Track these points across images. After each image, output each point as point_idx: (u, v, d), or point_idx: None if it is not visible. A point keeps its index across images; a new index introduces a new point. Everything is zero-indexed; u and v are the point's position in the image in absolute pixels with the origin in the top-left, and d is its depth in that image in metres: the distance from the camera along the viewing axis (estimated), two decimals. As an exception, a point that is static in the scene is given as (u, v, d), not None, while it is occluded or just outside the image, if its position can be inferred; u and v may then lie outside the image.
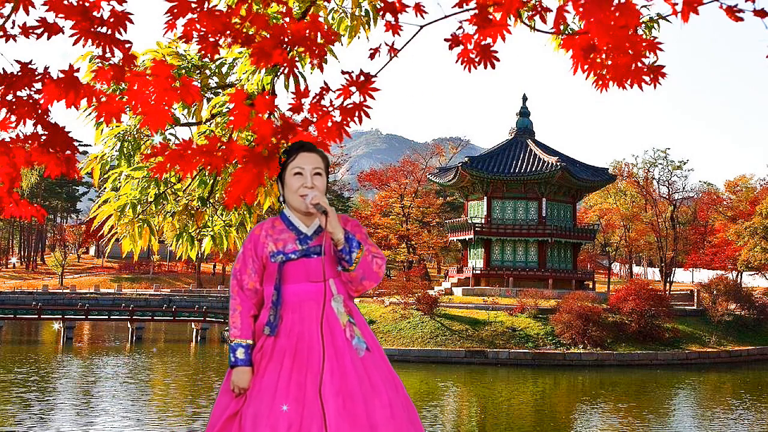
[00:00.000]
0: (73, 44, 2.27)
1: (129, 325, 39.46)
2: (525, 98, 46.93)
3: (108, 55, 2.32)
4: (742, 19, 2.22)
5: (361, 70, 2.57)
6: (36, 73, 2.30)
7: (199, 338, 38.91)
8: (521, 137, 45.17)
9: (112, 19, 2.29)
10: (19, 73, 2.29)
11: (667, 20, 3.06)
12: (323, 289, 2.68)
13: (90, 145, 4.98)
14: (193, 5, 2.43)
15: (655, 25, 3.16)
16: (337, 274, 2.71)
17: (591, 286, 45.43)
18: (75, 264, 79.28)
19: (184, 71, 3.71)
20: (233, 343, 2.69)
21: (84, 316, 39.62)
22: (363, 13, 3.64)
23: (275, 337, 2.66)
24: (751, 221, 49.70)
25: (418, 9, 2.78)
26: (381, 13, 2.85)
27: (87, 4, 2.26)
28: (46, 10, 2.24)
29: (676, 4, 2.17)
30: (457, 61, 2.52)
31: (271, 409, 2.53)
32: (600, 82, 2.37)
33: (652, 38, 2.32)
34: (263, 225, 2.78)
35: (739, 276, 53.15)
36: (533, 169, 42.26)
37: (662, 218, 58.45)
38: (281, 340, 2.65)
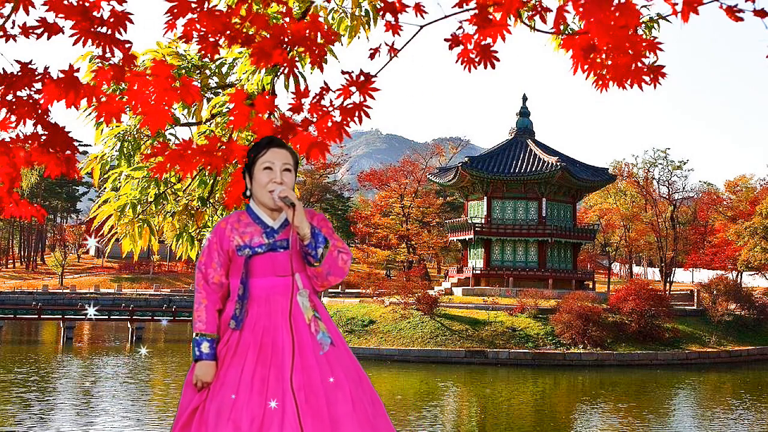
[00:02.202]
0: (73, 44, 2.27)
1: (129, 325, 39.47)
2: (525, 98, 46.93)
3: (108, 55, 2.32)
4: (742, 19, 2.22)
5: (361, 70, 2.57)
6: (36, 73, 2.30)
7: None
8: (521, 137, 45.16)
9: (112, 19, 2.29)
10: (19, 73, 2.29)
11: (667, 20, 3.07)
12: (290, 284, 2.69)
13: (90, 145, 4.98)
14: (193, 5, 2.43)
15: (655, 25, 3.16)
16: (303, 269, 2.72)
17: (591, 286, 45.42)
18: (75, 264, 79.27)
19: (184, 71, 3.71)
20: (198, 337, 2.68)
21: (84, 316, 39.62)
22: (363, 13, 3.64)
23: (240, 331, 2.67)
24: (751, 221, 49.69)
25: (418, 9, 2.78)
26: (381, 13, 2.85)
27: (87, 4, 2.26)
28: (46, 10, 2.24)
29: (676, 4, 2.17)
30: (457, 61, 2.52)
31: (234, 404, 2.54)
32: (600, 82, 2.37)
33: (652, 38, 2.32)
34: (228, 219, 2.78)
35: (739, 276, 53.14)
36: (533, 169, 42.26)
37: (662, 218, 58.44)
38: (246, 334, 2.66)
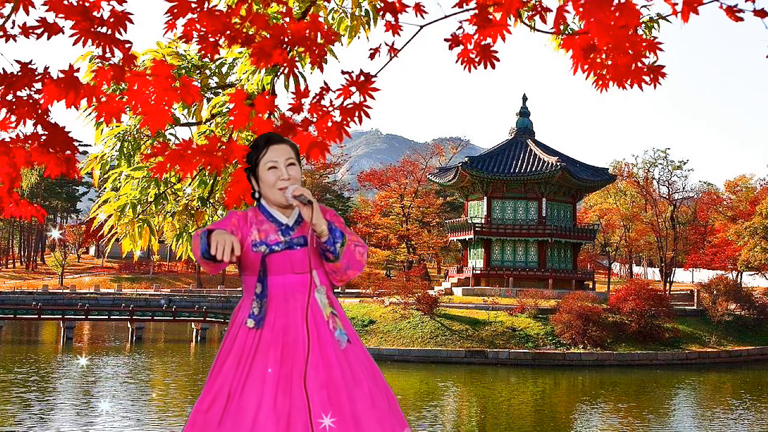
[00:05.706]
0: (73, 44, 2.27)
1: (129, 325, 39.46)
2: (525, 98, 46.94)
3: (108, 55, 2.32)
4: (742, 19, 2.22)
5: (361, 70, 2.57)
6: (36, 73, 2.30)
7: (199, 338, 38.92)
8: (521, 137, 45.17)
9: (112, 19, 2.29)
10: (19, 73, 2.29)
11: (667, 20, 3.07)
12: (308, 281, 2.67)
13: (90, 145, 4.98)
14: (193, 5, 2.43)
15: (655, 25, 3.16)
16: (320, 265, 2.70)
17: (591, 286, 45.43)
18: (75, 264, 79.26)
19: (184, 71, 3.71)
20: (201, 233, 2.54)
21: (84, 316, 39.61)
22: (363, 13, 3.64)
23: (260, 330, 2.64)
24: (751, 221, 49.69)
25: (418, 9, 2.78)
26: (381, 13, 2.85)
27: (87, 4, 2.26)
28: (46, 10, 2.24)
29: (676, 4, 2.17)
30: (457, 61, 2.52)
31: (260, 405, 2.52)
32: (600, 82, 2.37)
33: (652, 38, 2.32)
34: (246, 211, 2.72)
35: (739, 276, 53.15)
36: (533, 169, 42.26)
37: (662, 218, 58.46)
38: (266, 333, 2.63)
